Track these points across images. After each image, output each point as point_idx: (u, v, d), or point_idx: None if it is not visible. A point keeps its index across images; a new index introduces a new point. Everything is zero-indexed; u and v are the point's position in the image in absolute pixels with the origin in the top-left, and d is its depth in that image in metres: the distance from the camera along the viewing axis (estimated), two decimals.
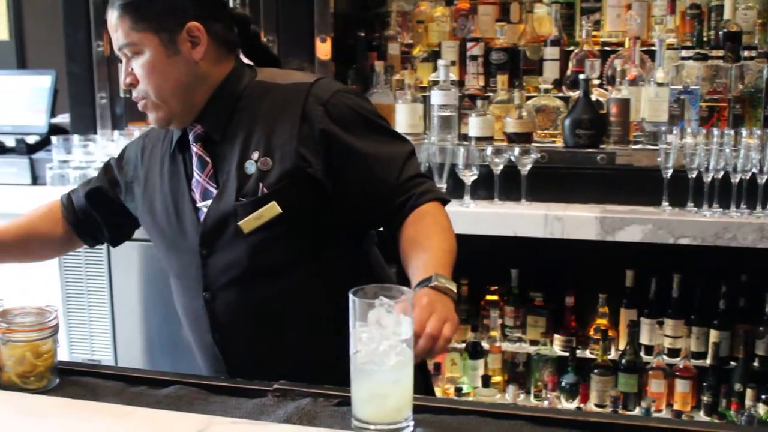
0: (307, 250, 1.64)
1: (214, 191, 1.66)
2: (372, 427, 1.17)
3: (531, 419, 1.21)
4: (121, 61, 1.69)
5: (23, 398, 1.34)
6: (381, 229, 1.77)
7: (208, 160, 1.67)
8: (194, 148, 1.69)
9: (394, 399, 1.17)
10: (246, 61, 1.78)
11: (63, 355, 3.13)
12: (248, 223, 1.60)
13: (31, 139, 3.42)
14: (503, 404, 1.19)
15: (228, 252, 1.64)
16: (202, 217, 1.66)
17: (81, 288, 3.18)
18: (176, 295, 1.81)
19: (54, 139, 3.26)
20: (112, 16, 1.61)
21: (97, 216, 1.90)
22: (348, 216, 1.66)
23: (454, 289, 1.43)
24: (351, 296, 1.18)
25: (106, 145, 3.23)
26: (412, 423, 1.19)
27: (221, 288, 1.65)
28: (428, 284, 1.40)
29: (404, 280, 1.55)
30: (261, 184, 1.60)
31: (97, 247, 3.02)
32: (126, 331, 3.16)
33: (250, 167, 1.61)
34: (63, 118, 3.57)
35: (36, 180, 3.35)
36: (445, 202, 1.67)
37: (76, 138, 3.24)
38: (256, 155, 1.62)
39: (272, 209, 1.59)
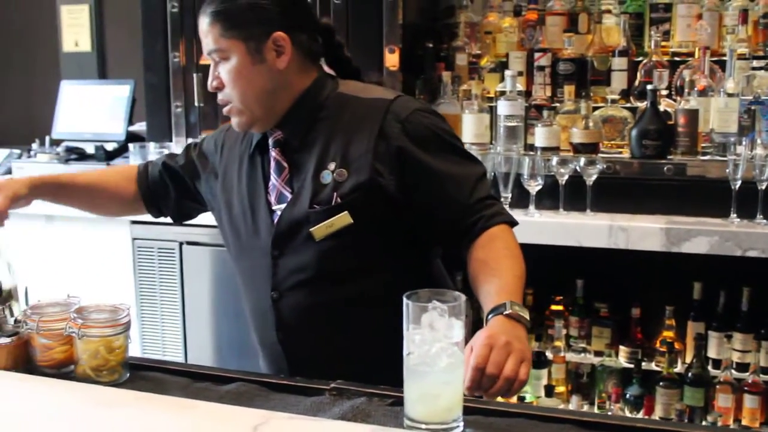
0: (373, 260, 1.69)
1: (289, 196, 1.71)
2: (423, 426, 1.21)
3: (578, 423, 1.23)
4: (206, 67, 1.77)
5: (96, 390, 1.40)
6: (447, 246, 1.80)
7: (285, 165, 1.73)
8: (273, 153, 1.75)
9: (444, 399, 1.21)
10: (328, 71, 1.83)
11: (135, 353, 3.25)
12: (320, 230, 1.66)
13: (110, 146, 3.56)
14: (551, 408, 1.21)
15: (298, 255, 1.69)
16: (275, 220, 1.72)
17: (154, 290, 3.29)
18: (244, 293, 1.87)
19: (131, 146, 3.39)
20: (204, 22, 1.68)
21: (166, 189, 1.97)
22: (416, 231, 1.71)
23: (527, 317, 1.45)
24: (405, 300, 1.22)
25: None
26: (461, 423, 1.22)
27: (289, 289, 1.71)
28: (502, 312, 1.43)
29: (466, 294, 1.58)
30: (335, 194, 1.65)
31: (170, 251, 3.18)
32: (196, 333, 3.26)
33: (326, 177, 1.67)
34: (140, 126, 3.70)
35: None
36: (513, 225, 1.69)
37: (151, 145, 3.36)
38: (332, 165, 1.67)
39: (344, 219, 1.65)
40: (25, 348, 1.52)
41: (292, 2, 1.72)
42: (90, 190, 1.99)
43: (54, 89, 3.88)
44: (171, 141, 3.44)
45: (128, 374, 1.49)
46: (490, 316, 1.45)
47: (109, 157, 3.52)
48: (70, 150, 3.58)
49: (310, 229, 1.66)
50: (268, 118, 1.72)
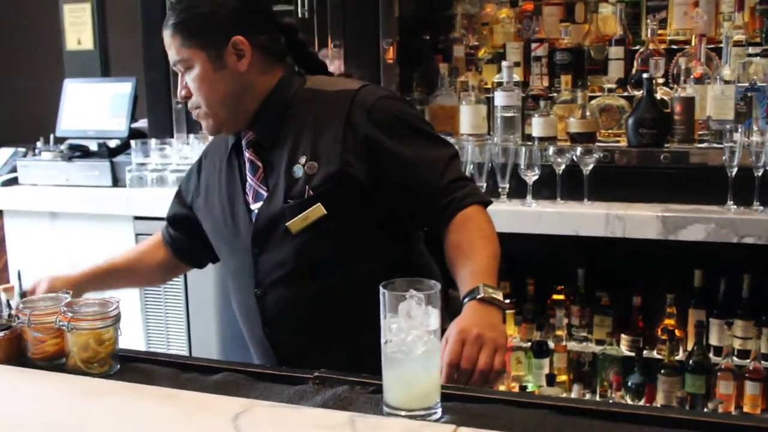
0: (351, 249, 1.71)
1: (265, 194, 1.74)
2: (401, 412, 1.22)
3: (555, 408, 1.24)
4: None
5: (86, 381, 1.43)
6: (425, 228, 1.84)
7: (260, 164, 1.77)
8: (246, 154, 1.79)
9: (421, 386, 1.23)
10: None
11: (140, 347, 3.28)
12: (295, 223, 1.68)
13: (113, 143, 3.59)
14: (528, 393, 1.22)
15: (277, 251, 1.72)
16: (253, 218, 1.75)
17: (158, 285, 3.31)
18: (232, 292, 1.91)
19: (133, 143, 3.42)
20: (166, 34, 1.72)
21: (189, 241, 2.01)
22: (391, 217, 1.72)
23: (501, 298, 1.49)
24: (382, 289, 1.24)
25: (182, 149, 3.37)
26: (439, 410, 1.24)
27: (271, 285, 1.74)
28: (476, 296, 1.48)
29: (448, 279, 1.61)
30: (307, 187, 1.68)
31: None
32: (201, 326, 3.29)
33: (298, 171, 1.70)
34: (143, 123, 3.72)
35: (117, 182, 3.51)
36: (486, 204, 1.71)
37: (153, 142, 3.39)
38: (303, 159, 1.70)
39: (317, 210, 1.67)
40: (17, 341, 1.55)
41: (249, 6, 1.75)
42: (131, 269, 2.04)
43: (58, 88, 3.91)
44: (172, 137, 3.47)
45: (118, 366, 1.51)
46: (465, 300, 1.49)
47: (111, 153, 3.55)
48: (73, 147, 3.61)
49: (287, 224, 1.69)
50: (236, 120, 1.76)
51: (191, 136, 3.43)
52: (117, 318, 1.52)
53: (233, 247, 1.81)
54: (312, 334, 1.75)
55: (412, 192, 1.69)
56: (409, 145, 1.69)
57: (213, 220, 1.87)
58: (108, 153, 3.54)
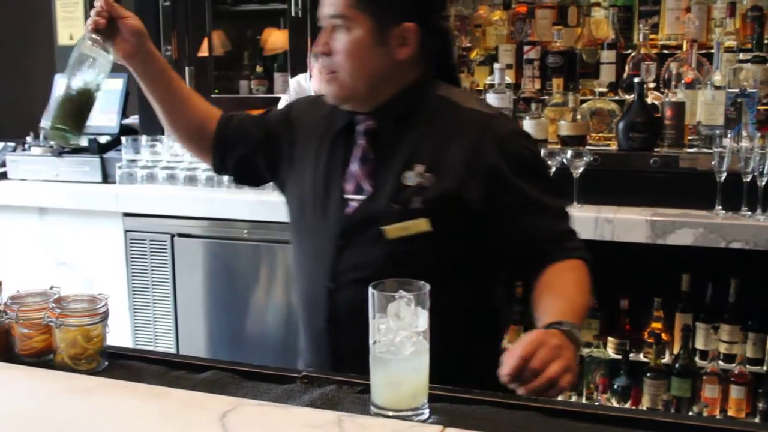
0: (441, 271, 1.60)
1: (369, 189, 1.67)
2: (389, 412, 1.23)
3: (542, 410, 1.25)
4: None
5: (73, 378, 1.43)
6: (516, 272, 1.81)
7: (371, 157, 1.69)
8: (360, 141, 1.71)
9: (409, 386, 1.23)
10: None
11: (127, 344, 3.28)
12: (394, 230, 1.62)
13: (103, 139, 3.58)
14: (516, 395, 1.23)
15: (364, 251, 1.65)
16: (348, 209, 1.68)
17: (146, 282, 3.32)
18: (298, 278, 1.82)
19: (123, 139, 3.41)
20: None
21: (239, 143, 1.88)
22: (493, 252, 1.68)
23: (581, 341, 1.45)
24: (371, 290, 1.24)
25: (172, 146, 3.36)
26: (427, 410, 1.24)
27: (348, 283, 1.66)
28: (561, 327, 1.42)
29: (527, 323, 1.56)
30: (417, 198, 1.61)
31: (162, 243, 3.20)
32: (188, 324, 3.28)
33: (411, 178, 1.62)
34: (134, 120, 3.72)
35: (107, 178, 3.50)
36: (588, 263, 1.66)
37: (144, 139, 3.39)
38: (420, 168, 1.62)
39: (421, 225, 1.61)
40: (5, 337, 1.54)
41: None
42: (187, 94, 1.89)
43: (49, 82, 3.89)
44: (163, 134, 3.46)
45: (106, 363, 1.51)
46: (547, 327, 1.43)
47: (102, 149, 3.54)
48: None
49: (384, 227, 1.62)
50: (368, 100, 1.68)
51: None
52: (105, 315, 1.52)
53: (316, 230, 1.73)
54: None
55: (524, 231, 1.64)
56: (531, 186, 1.63)
57: (300, 193, 1.78)
58: (98, 149, 3.53)
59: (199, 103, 1.91)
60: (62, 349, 1.49)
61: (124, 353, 1.56)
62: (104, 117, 3.68)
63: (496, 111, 1.73)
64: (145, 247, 3.29)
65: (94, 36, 1.71)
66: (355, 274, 1.64)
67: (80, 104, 1.71)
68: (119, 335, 3.21)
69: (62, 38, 4.34)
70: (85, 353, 1.49)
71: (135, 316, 3.36)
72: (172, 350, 3.30)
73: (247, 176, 1.98)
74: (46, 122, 1.70)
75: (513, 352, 1.35)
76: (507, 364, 1.33)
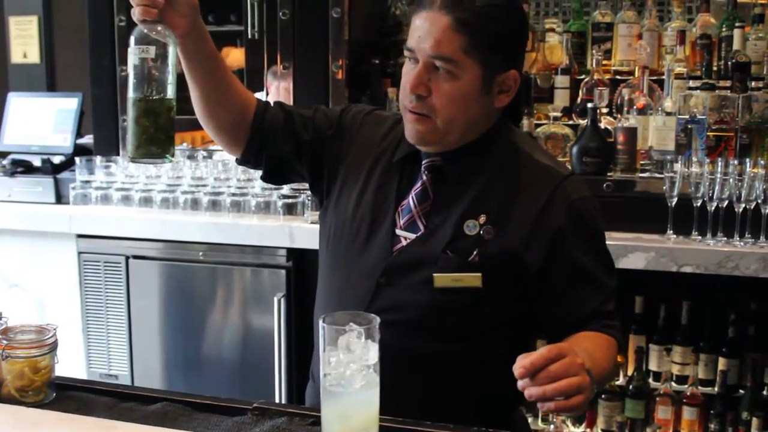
0: (480, 326, 1.58)
1: (422, 229, 1.58)
2: None
3: None
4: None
5: (20, 411, 1.41)
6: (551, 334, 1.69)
7: (431, 195, 1.59)
8: (423, 177, 1.61)
9: (359, 419, 1.23)
10: None
11: (81, 369, 3.23)
12: (443, 278, 1.53)
13: (57, 159, 3.52)
14: (468, 428, 1.23)
15: (407, 293, 1.56)
16: (396, 246, 1.59)
17: (100, 304, 3.27)
18: (323, 308, 1.68)
19: (78, 159, 3.37)
20: (441, 19, 1.47)
21: (278, 135, 1.72)
22: (536, 316, 1.63)
23: (594, 391, 1.35)
24: (321, 322, 1.24)
25: (127, 167, 3.33)
26: None
27: (383, 323, 1.42)
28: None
29: None
30: (476, 251, 1.53)
31: (117, 265, 3.16)
32: (143, 347, 3.24)
33: (472, 227, 1.55)
34: (89, 139, 3.67)
35: (60, 199, 3.45)
36: (620, 346, 1.61)
37: (98, 159, 3.35)
38: (483, 218, 1.55)
39: (474, 280, 1.53)
40: None
41: (525, 44, 1.63)
42: (230, 77, 1.70)
43: (1, 101, 3.84)
44: (118, 155, 3.43)
45: (54, 394, 1.49)
46: None
47: (55, 170, 3.49)
48: (16, 163, 3.54)
49: (434, 274, 1.53)
50: (453, 145, 1.58)
51: None
52: (54, 346, 1.49)
53: (355, 260, 1.62)
54: (404, 385, 1.53)
55: (570, 303, 1.57)
56: (591, 258, 1.58)
57: (342, 214, 1.66)
58: (52, 169, 3.48)
59: (240, 87, 1.74)
60: (9, 381, 1.47)
61: (72, 384, 1.54)
62: (58, 137, 3.63)
63: (567, 170, 1.65)
64: (99, 269, 3.25)
65: (148, 25, 1.44)
66: (393, 315, 1.53)
67: (156, 118, 1.46)
68: (72, 359, 3.18)
69: (16, 56, 4.29)
70: (33, 385, 1.47)
71: (89, 339, 3.30)
72: (126, 374, 3.25)
73: (279, 176, 1.85)
74: (130, 154, 1.50)
75: (539, 351, 1.28)
76: (529, 359, 1.25)
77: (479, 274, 1.52)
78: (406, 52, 1.54)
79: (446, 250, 1.54)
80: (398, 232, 1.59)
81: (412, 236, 1.58)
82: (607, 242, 1.67)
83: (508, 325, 1.61)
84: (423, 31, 1.49)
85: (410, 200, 1.60)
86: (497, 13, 1.50)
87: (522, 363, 1.25)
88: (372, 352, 1.22)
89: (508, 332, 1.62)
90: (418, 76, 1.50)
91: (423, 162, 1.61)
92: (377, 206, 1.62)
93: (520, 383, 1.26)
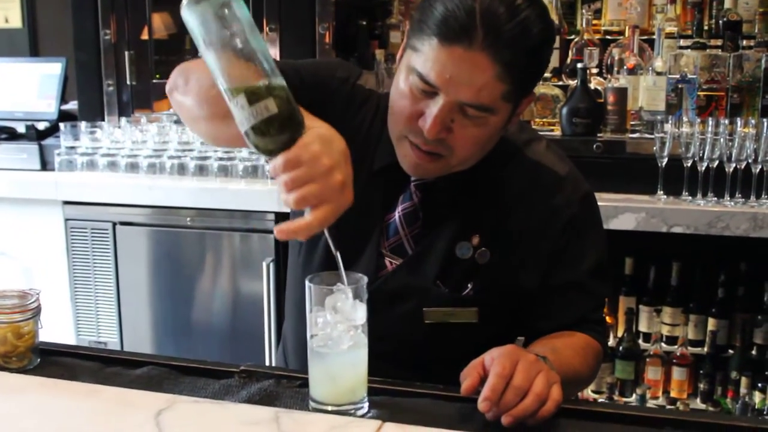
0: (472, 353, 1.29)
1: (408, 252, 1.43)
2: (327, 407, 1.21)
3: None
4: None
5: (4, 377, 1.38)
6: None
7: (420, 216, 1.44)
8: (413, 197, 1.44)
9: (347, 380, 1.21)
10: None
11: (70, 336, 3.22)
12: (435, 314, 1.42)
13: (41, 126, 3.48)
14: (456, 388, 1.21)
15: (391, 322, 1.42)
16: (381, 271, 1.45)
17: (88, 271, 3.25)
18: (294, 322, 1.59)
19: (62, 125, 3.33)
20: (484, 64, 1.23)
21: None
22: (523, 322, 1.48)
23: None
24: (307, 283, 1.22)
25: (113, 132, 3.29)
26: (366, 404, 1.23)
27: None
28: (541, 357, 1.23)
29: None
30: (470, 284, 1.41)
31: (104, 231, 3.14)
32: (132, 314, 3.23)
33: (465, 251, 1.41)
34: (73, 105, 3.63)
35: (45, 166, 3.41)
36: (602, 350, 1.49)
37: (83, 125, 3.31)
38: (476, 240, 1.41)
39: (469, 315, 1.42)
40: None
41: None
42: None
43: None
44: (103, 120, 3.40)
45: (38, 360, 1.47)
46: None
47: (40, 136, 3.44)
48: (0, 129, 3.50)
49: (424, 309, 1.41)
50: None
51: (122, 119, 3.35)
52: (37, 311, 1.47)
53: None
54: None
55: (558, 308, 1.45)
56: (588, 267, 1.44)
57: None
58: (36, 135, 3.43)
59: None
60: None
61: (57, 350, 1.51)
62: (42, 102, 3.59)
63: (566, 169, 1.47)
64: (87, 236, 3.22)
65: None
66: (381, 346, 1.27)
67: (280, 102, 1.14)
68: (61, 326, 3.17)
69: None
70: (16, 351, 1.45)
71: (77, 306, 3.29)
72: (116, 341, 3.24)
73: None
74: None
75: (493, 371, 1.15)
76: (488, 387, 1.14)
77: (474, 309, 1.42)
78: (417, 81, 1.27)
79: (437, 280, 1.41)
80: (385, 253, 1.45)
81: (399, 260, 1.44)
82: (604, 236, 1.55)
83: (499, 342, 1.44)
84: (456, 73, 1.23)
85: (397, 219, 1.44)
86: (544, 53, 1.33)
87: (484, 395, 1.13)
88: (360, 312, 1.21)
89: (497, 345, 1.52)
90: (441, 121, 1.27)
91: (412, 180, 1.44)
92: (358, 220, 1.35)
93: (488, 416, 1.15)
